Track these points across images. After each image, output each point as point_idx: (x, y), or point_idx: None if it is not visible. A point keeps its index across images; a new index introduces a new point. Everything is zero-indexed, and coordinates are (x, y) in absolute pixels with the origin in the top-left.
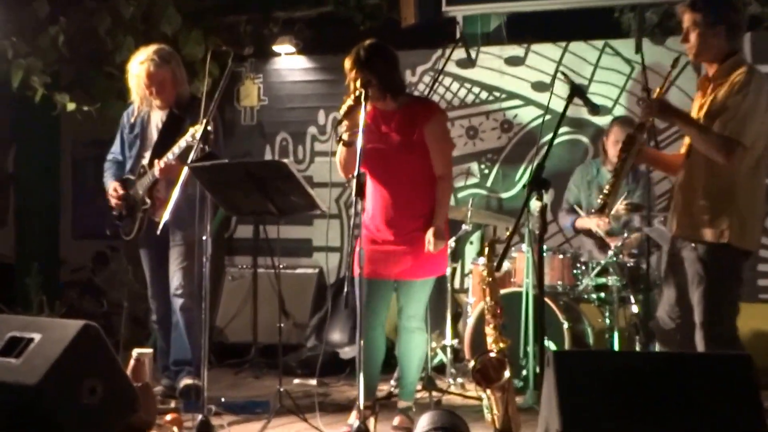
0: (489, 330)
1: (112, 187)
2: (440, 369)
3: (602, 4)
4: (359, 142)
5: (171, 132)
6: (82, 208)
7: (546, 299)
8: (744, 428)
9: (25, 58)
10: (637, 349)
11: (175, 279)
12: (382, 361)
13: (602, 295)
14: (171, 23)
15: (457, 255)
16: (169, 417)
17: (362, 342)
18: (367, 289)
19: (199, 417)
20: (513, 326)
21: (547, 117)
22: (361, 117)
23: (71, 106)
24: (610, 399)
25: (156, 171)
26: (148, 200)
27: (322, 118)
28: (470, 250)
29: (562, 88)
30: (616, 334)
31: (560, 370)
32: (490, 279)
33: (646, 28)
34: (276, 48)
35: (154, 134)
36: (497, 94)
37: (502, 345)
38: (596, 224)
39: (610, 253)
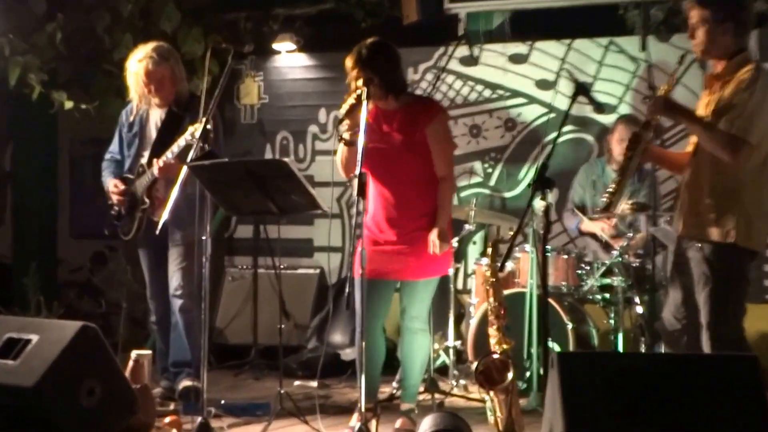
0: (492, 331)
1: (113, 183)
2: (443, 371)
3: (607, 0)
4: (360, 141)
5: (170, 130)
6: (80, 207)
7: (550, 300)
8: (751, 430)
9: (23, 56)
10: (643, 350)
11: (175, 279)
12: (382, 362)
13: (607, 295)
14: (170, 20)
15: (460, 255)
16: (168, 419)
17: (364, 344)
18: (368, 289)
19: (199, 419)
20: (516, 327)
21: (552, 115)
22: (362, 116)
23: (69, 104)
24: (615, 401)
25: (155, 170)
26: (146, 200)
27: (323, 117)
28: (473, 250)
29: (566, 86)
30: (621, 336)
31: (564, 371)
32: (494, 279)
33: (652, 25)
34: (276, 45)
35: (153, 133)
36: (501, 92)
37: (505, 346)
38: (601, 229)
39: (615, 253)
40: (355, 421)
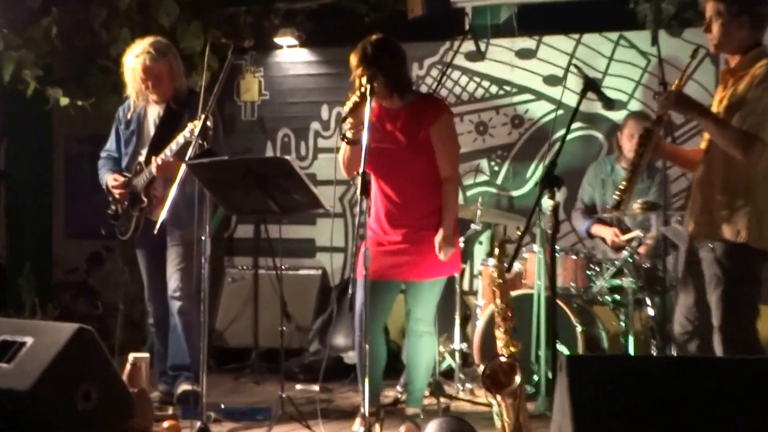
0: (499, 333)
1: (112, 177)
2: (449, 374)
3: None
4: (364, 139)
5: (168, 128)
6: (76, 206)
7: (558, 301)
8: None
9: (17, 51)
10: (654, 353)
11: (173, 280)
12: (384, 365)
13: (617, 297)
14: (168, 14)
15: (466, 256)
16: (166, 424)
17: (366, 346)
18: (371, 290)
19: (198, 424)
20: (524, 330)
21: (560, 112)
22: (366, 114)
23: (64, 101)
24: (625, 405)
25: (153, 168)
26: (144, 198)
27: (325, 113)
28: (480, 250)
29: (575, 82)
30: (631, 338)
31: (573, 375)
32: (501, 280)
33: (663, 20)
34: (277, 40)
35: (151, 130)
36: (508, 88)
37: (512, 349)
38: (611, 239)
39: (625, 253)
40: (358, 425)
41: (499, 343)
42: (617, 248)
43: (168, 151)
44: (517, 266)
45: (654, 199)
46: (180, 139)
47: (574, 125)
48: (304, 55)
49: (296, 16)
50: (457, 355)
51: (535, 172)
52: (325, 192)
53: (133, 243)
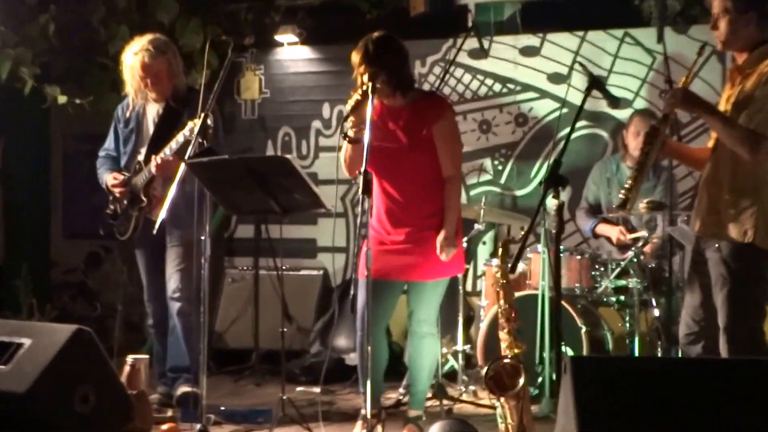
0: (503, 335)
1: (111, 176)
2: (451, 376)
3: None
4: (366, 138)
5: (168, 126)
6: (74, 206)
7: (563, 302)
8: None
9: (14, 48)
10: (659, 354)
11: (173, 281)
12: (385, 366)
13: (622, 298)
14: (167, 11)
15: (470, 256)
16: (165, 426)
17: (369, 348)
18: (373, 290)
19: (198, 426)
20: (528, 331)
21: (564, 110)
22: (368, 112)
23: (62, 99)
24: (630, 407)
25: (152, 167)
26: (144, 198)
27: (326, 112)
28: (483, 250)
29: (579, 80)
30: (636, 340)
31: (578, 377)
32: (504, 281)
33: (668, 17)
34: (278, 38)
35: (150, 128)
36: (511, 86)
37: (516, 351)
38: (617, 238)
39: (631, 253)
40: (359, 428)
41: (503, 345)
42: (623, 247)
43: (168, 150)
44: (521, 267)
45: (660, 198)
46: (180, 137)
47: (579, 124)
48: (305, 52)
49: (297, 13)
50: (460, 356)
51: (539, 172)
52: (326, 191)
53: (132, 243)
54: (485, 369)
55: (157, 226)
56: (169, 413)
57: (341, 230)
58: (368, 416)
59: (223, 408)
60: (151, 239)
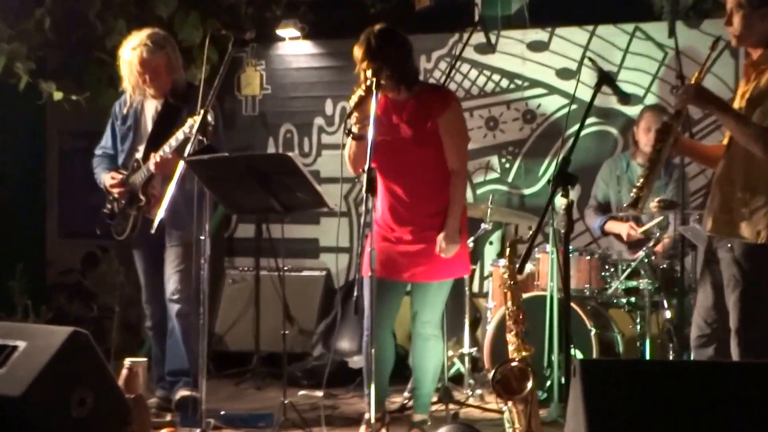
0: (510, 337)
1: (109, 176)
2: (458, 379)
3: None
4: (370, 134)
5: (167, 123)
6: (70, 204)
7: (572, 304)
8: None
9: (9, 43)
10: (671, 357)
11: (171, 282)
12: (391, 369)
13: (633, 299)
14: (166, 5)
15: (476, 256)
16: (164, 431)
17: (372, 350)
18: (377, 290)
19: (197, 431)
20: (536, 333)
21: (573, 107)
22: (372, 108)
23: (58, 95)
24: (641, 411)
25: (151, 165)
26: (142, 197)
27: (329, 108)
28: (490, 250)
29: (589, 76)
30: (647, 342)
31: (587, 380)
32: (512, 282)
33: (680, 11)
34: (280, 32)
35: (148, 125)
36: (519, 81)
37: (524, 353)
38: (627, 233)
39: (642, 254)
40: None
41: (511, 347)
42: (633, 245)
43: (167, 148)
44: (529, 267)
45: (671, 196)
46: (179, 135)
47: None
48: (308, 47)
49: (299, 7)
50: (466, 359)
51: (547, 170)
52: (329, 190)
53: (130, 243)
54: (492, 372)
55: (155, 225)
56: (168, 418)
57: (344, 230)
58: (372, 420)
59: (223, 412)
60: (150, 239)
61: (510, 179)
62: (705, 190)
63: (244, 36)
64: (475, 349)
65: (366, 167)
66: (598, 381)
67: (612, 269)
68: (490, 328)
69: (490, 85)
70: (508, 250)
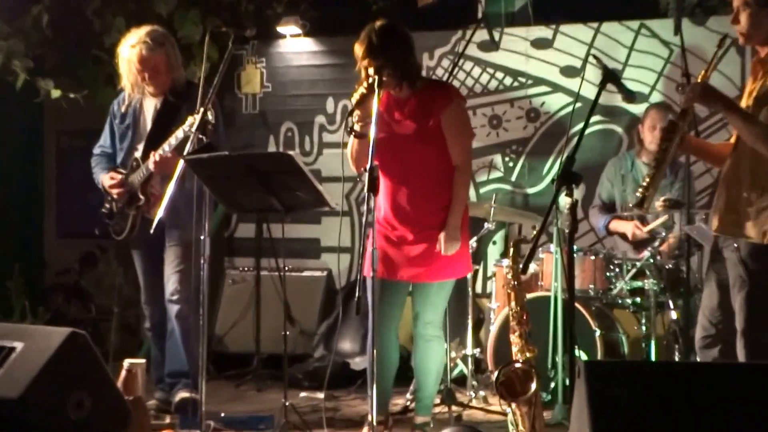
0: (514, 338)
1: (108, 176)
2: (461, 381)
3: None
4: (372, 133)
5: (166, 121)
6: (68, 204)
7: (576, 305)
8: None
9: (6, 40)
10: (677, 359)
11: (171, 283)
12: (395, 371)
13: (638, 300)
14: (165, 2)
15: (479, 256)
16: None
17: (375, 351)
18: (380, 291)
19: None
20: (540, 334)
21: (578, 105)
22: (374, 106)
23: (56, 93)
24: (646, 414)
25: (150, 164)
26: (141, 196)
27: (330, 106)
28: (493, 250)
29: (593, 73)
30: (653, 343)
31: (592, 382)
32: (515, 282)
33: (686, 7)
34: (280, 29)
35: (147, 124)
36: (523, 79)
37: (528, 355)
38: (632, 233)
39: (647, 254)
40: None
41: (514, 348)
42: (638, 244)
43: (166, 146)
44: (532, 267)
45: (677, 196)
46: (179, 133)
47: (593, 119)
48: (309, 44)
49: (300, 4)
50: (469, 360)
51: (551, 168)
52: (330, 189)
53: (129, 243)
54: (496, 374)
55: (154, 225)
56: (167, 420)
57: (346, 229)
58: (374, 423)
59: (223, 414)
60: (149, 239)
61: (513, 178)
62: (711, 190)
63: (245, 33)
64: (479, 350)
65: (368, 166)
66: (602, 382)
67: (617, 269)
68: (494, 329)
69: (494, 83)
70: (511, 250)
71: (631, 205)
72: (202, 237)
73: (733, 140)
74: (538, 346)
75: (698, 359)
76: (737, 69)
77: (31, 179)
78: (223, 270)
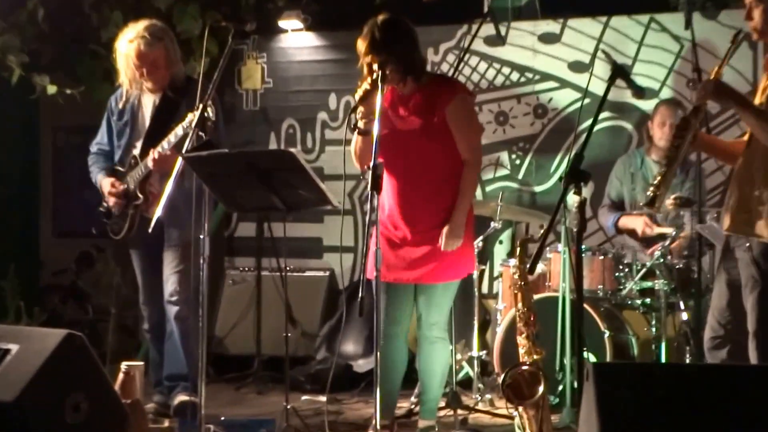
0: (521, 340)
1: (109, 183)
2: (466, 384)
3: None
4: (376, 129)
5: (165, 118)
6: (65, 202)
7: (585, 305)
8: None
9: (0, 35)
10: (688, 361)
11: (170, 284)
12: (402, 375)
13: (648, 300)
14: None
15: (486, 256)
16: None
17: (379, 353)
18: (386, 294)
19: None
20: (548, 336)
21: (586, 101)
22: (378, 102)
23: (52, 89)
24: (656, 417)
25: (149, 162)
26: (140, 195)
27: (333, 102)
28: (500, 250)
29: (602, 69)
30: (663, 345)
31: (601, 384)
32: (522, 283)
33: (697, 1)
34: (282, 24)
35: (146, 121)
36: (530, 75)
37: (535, 357)
38: (642, 229)
39: (657, 253)
40: None
41: (521, 350)
42: (648, 241)
43: (165, 144)
44: (540, 267)
45: (688, 194)
46: (179, 130)
47: (602, 115)
48: (311, 39)
49: None
50: (475, 363)
51: (559, 166)
52: (333, 187)
53: (127, 243)
54: (502, 376)
55: (152, 224)
56: (166, 424)
57: (349, 229)
58: (378, 427)
59: (223, 418)
60: (148, 238)
61: (520, 176)
62: (723, 188)
63: (245, 27)
64: (485, 352)
65: (372, 163)
66: (611, 385)
67: (626, 269)
68: (500, 331)
69: (500, 79)
70: (518, 249)
71: (641, 204)
72: (201, 236)
73: (746, 138)
74: (545, 347)
75: (707, 360)
76: (749, 64)
77: (26, 177)
78: (223, 270)
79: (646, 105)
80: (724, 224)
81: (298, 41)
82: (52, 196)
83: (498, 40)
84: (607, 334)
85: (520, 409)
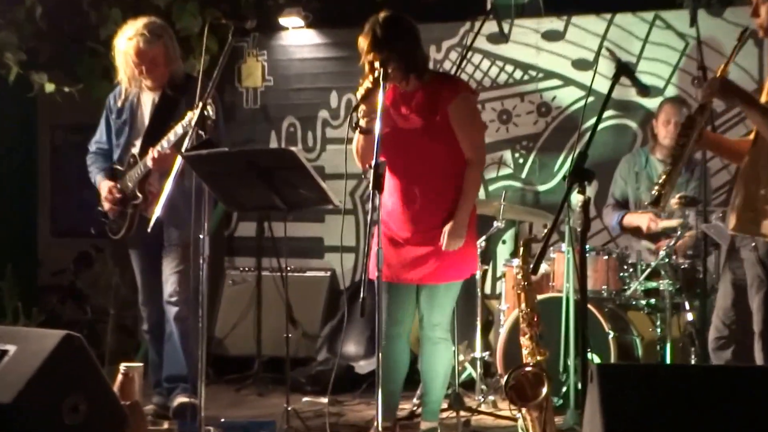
0: (524, 341)
1: (107, 188)
2: (469, 385)
3: None
4: (377, 128)
5: (164, 116)
6: (63, 202)
7: (589, 306)
8: None
9: None
10: (693, 362)
11: (169, 284)
12: (404, 376)
13: (653, 301)
14: None
15: (488, 256)
16: None
17: (381, 354)
18: (388, 294)
19: None
20: (552, 336)
21: (590, 99)
22: (380, 100)
23: (50, 87)
24: (661, 419)
25: (148, 161)
26: (139, 194)
27: (334, 101)
28: (503, 250)
29: (606, 66)
30: (668, 346)
31: (605, 385)
32: (526, 283)
33: None
34: (282, 21)
35: (145, 119)
36: (533, 73)
37: (539, 358)
38: (647, 225)
39: (662, 253)
40: None
41: (525, 351)
42: (653, 238)
43: (165, 143)
44: (543, 267)
45: (693, 193)
46: (178, 129)
47: (606, 114)
48: (312, 36)
49: None
50: (478, 364)
51: (563, 165)
52: (334, 186)
53: (126, 243)
54: (505, 378)
55: (151, 223)
56: (166, 426)
57: (350, 228)
58: (380, 429)
59: (223, 420)
60: (147, 238)
61: (524, 175)
62: (728, 187)
63: (245, 25)
64: (488, 353)
65: (373, 162)
66: (616, 386)
67: (631, 269)
68: (503, 332)
69: (503, 77)
70: (521, 249)
71: (646, 203)
72: (201, 236)
73: (751, 136)
74: (549, 348)
75: (711, 361)
76: (755, 61)
77: (24, 176)
78: (223, 270)
79: (651, 103)
80: (730, 223)
81: (298, 39)
82: (51, 196)
83: (501, 37)
84: (611, 334)
85: (524, 410)
